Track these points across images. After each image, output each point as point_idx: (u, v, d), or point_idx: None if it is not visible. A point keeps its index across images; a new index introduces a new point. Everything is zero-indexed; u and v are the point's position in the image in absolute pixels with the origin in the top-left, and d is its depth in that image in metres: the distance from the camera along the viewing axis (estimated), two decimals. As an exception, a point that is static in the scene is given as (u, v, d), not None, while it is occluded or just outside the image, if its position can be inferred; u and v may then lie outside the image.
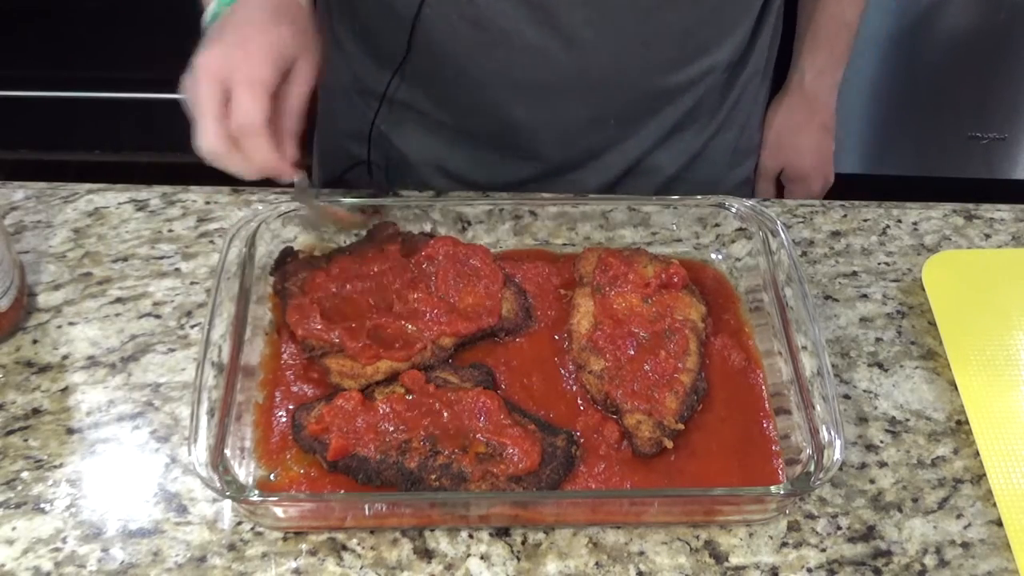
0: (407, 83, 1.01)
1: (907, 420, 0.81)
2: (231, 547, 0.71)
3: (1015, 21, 1.82)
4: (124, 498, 0.74)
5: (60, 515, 0.72)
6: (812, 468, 0.69)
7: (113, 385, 0.81)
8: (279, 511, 0.70)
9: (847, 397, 0.83)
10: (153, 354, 0.83)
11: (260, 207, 0.86)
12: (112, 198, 0.97)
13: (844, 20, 1.10)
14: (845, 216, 0.99)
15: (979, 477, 0.77)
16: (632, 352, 0.78)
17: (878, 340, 0.87)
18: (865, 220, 0.98)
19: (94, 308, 0.86)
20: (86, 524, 0.72)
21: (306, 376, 0.79)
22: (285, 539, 0.71)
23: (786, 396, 0.77)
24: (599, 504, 0.73)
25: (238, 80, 0.74)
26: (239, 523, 0.72)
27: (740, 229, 0.88)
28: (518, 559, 0.71)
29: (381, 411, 0.73)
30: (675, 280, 0.83)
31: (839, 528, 0.74)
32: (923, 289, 0.91)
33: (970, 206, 1.01)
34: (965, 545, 0.73)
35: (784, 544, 0.73)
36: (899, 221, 0.98)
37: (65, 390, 0.80)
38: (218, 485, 0.67)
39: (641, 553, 0.72)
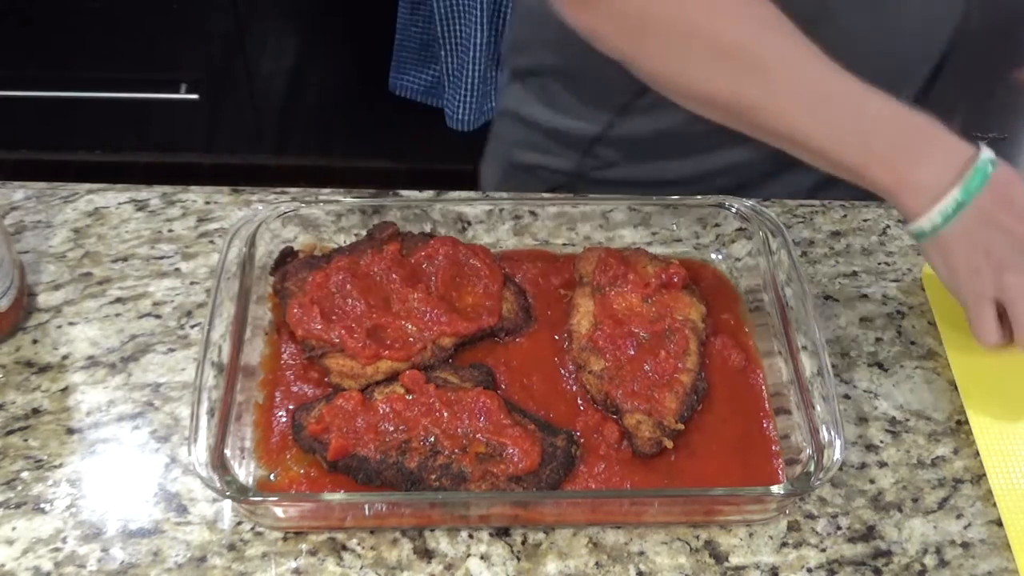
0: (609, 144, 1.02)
1: (907, 420, 0.81)
2: (231, 547, 0.71)
3: (1015, 21, 1.82)
4: (124, 498, 0.74)
5: (60, 515, 0.72)
6: (812, 468, 0.70)
7: (113, 385, 0.81)
8: (279, 511, 0.70)
9: (847, 397, 0.83)
10: (153, 354, 0.83)
11: (260, 207, 0.86)
12: (112, 198, 0.97)
13: None
14: (845, 216, 0.99)
15: (979, 477, 0.77)
16: (632, 352, 0.78)
17: (878, 340, 0.87)
18: (865, 220, 0.98)
19: (94, 308, 0.86)
20: (86, 524, 0.72)
21: (306, 376, 0.79)
22: (285, 539, 0.71)
23: (786, 396, 0.77)
24: (599, 504, 0.73)
25: None
26: (239, 523, 0.72)
27: (740, 229, 0.88)
28: (518, 559, 0.71)
29: (381, 411, 0.73)
30: (675, 280, 0.83)
31: (839, 528, 0.74)
32: (923, 289, 0.91)
33: (970, 206, 1.01)
34: (965, 545, 0.73)
35: (784, 544, 0.73)
36: (899, 221, 0.98)
37: (65, 390, 0.80)
38: (218, 485, 0.67)
39: (641, 553, 0.72)
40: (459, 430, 0.72)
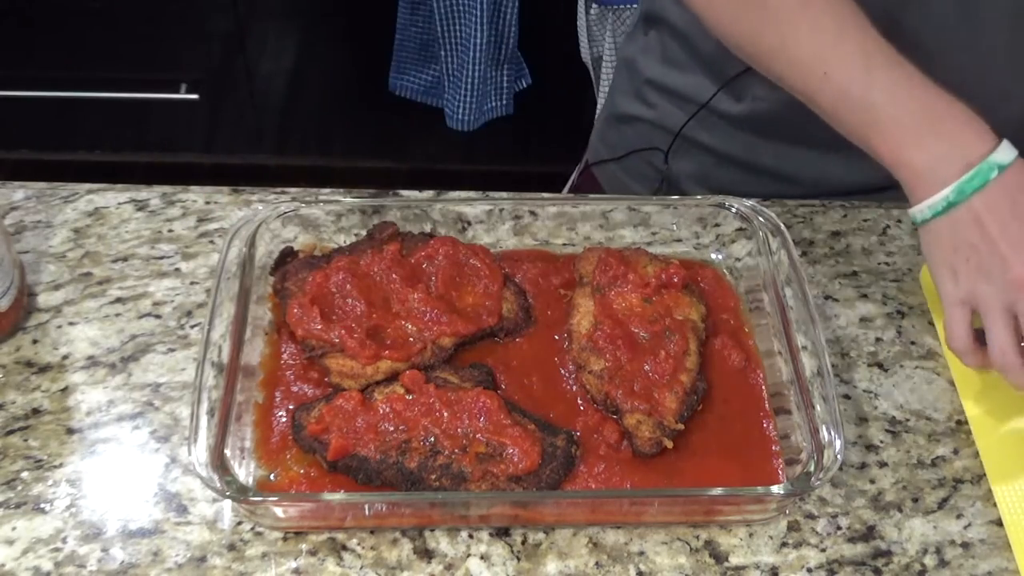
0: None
1: (907, 420, 0.81)
2: (231, 547, 0.71)
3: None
4: (124, 498, 0.74)
5: (60, 515, 0.72)
6: (812, 468, 0.70)
7: (113, 385, 0.81)
8: (279, 511, 0.70)
9: (847, 397, 0.83)
10: (153, 354, 0.83)
11: (260, 207, 0.86)
12: (112, 198, 0.97)
13: None
14: (845, 216, 0.99)
15: (979, 477, 0.77)
16: (632, 352, 0.78)
17: (878, 340, 0.87)
18: (865, 220, 0.98)
19: (94, 308, 0.86)
20: (86, 524, 0.72)
21: (306, 376, 0.79)
22: (285, 539, 0.71)
23: (786, 396, 0.77)
24: (599, 504, 0.73)
25: None
26: (239, 523, 0.72)
27: (740, 229, 0.88)
28: (518, 559, 0.71)
29: (381, 411, 0.73)
30: (675, 280, 0.83)
31: (839, 528, 0.74)
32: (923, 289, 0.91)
33: (970, 206, 1.01)
34: (965, 545, 0.73)
35: (784, 544, 0.73)
36: (899, 221, 0.98)
37: (65, 390, 0.80)
38: (218, 485, 0.67)
39: (641, 553, 0.72)
40: (459, 430, 0.72)
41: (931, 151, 0.73)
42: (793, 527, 0.74)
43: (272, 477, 0.73)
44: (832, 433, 0.70)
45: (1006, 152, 0.72)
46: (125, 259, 0.91)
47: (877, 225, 0.98)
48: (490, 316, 0.82)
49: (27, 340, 0.84)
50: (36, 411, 0.79)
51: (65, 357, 0.83)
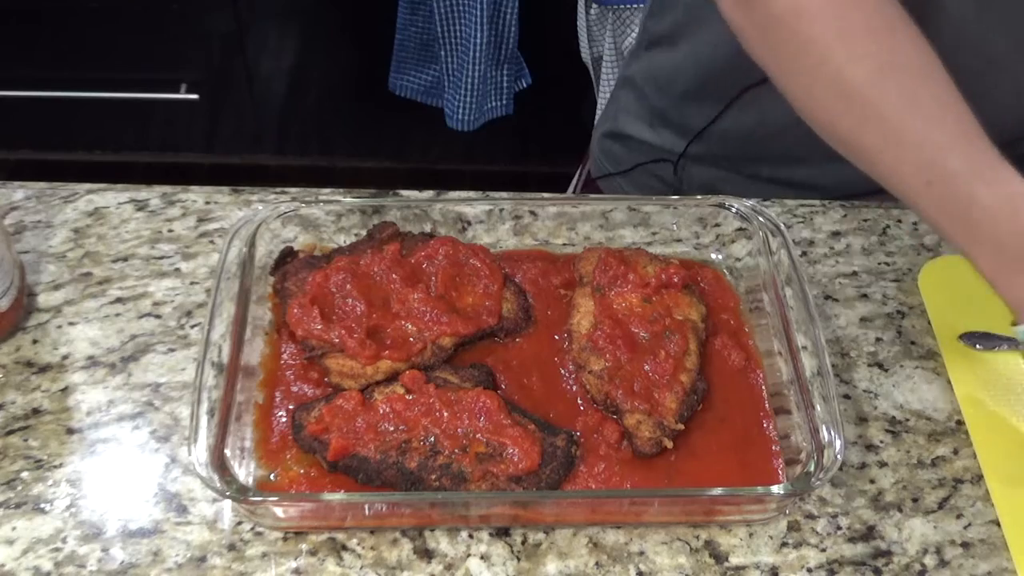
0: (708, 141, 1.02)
1: (907, 420, 0.81)
2: (231, 547, 0.71)
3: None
4: (124, 498, 0.74)
5: (60, 515, 0.72)
6: (812, 468, 0.70)
7: (113, 385, 0.81)
8: (279, 511, 0.70)
9: (847, 397, 0.83)
10: (153, 354, 0.83)
11: (260, 207, 0.86)
12: (112, 198, 0.97)
13: None
14: (845, 216, 0.99)
15: (979, 477, 0.77)
16: (632, 352, 0.78)
17: (878, 340, 0.87)
18: (865, 220, 0.98)
19: (94, 308, 0.86)
20: (86, 524, 0.72)
21: (306, 376, 0.79)
22: (285, 539, 0.71)
23: (786, 396, 0.77)
24: (599, 504, 0.73)
25: None
26: (239, 523, 0.72)
27: (740, 229, 0.88)
28: (518, 559, 0.71)
29: (381, 411, 0.73)
30: (675, 280, 0.83)
31: (839, 528, 0.74)
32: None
33: (970, 206, 1.01)
34: (965, 545, 0.73)
35: (784, 544, 0.73)
36: (899, 221, 0.98)
37: (65, 390, 0.80)
38: (218, 485, 0.67)
39: (641, 553, 0.72)
40: (459, 430, 0.72)
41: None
42: (793, 527, 0.74)
43: (272, 477, 0.73)
44: (832, 433, 0.70)
45: None
46: (125, 259, 0.91)
47: (877, 225, 0.98)
48: (490, 316, 0.82)
49: (27, 340, 0.84)
50: (36, 411, 0.79)
51: (65, 357, 0.83)
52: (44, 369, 0.82)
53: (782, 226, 0.84)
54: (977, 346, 0.85)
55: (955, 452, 0.79)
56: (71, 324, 0.85)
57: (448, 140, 2.05)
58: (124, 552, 0.70)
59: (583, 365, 0.79)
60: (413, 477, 0.71)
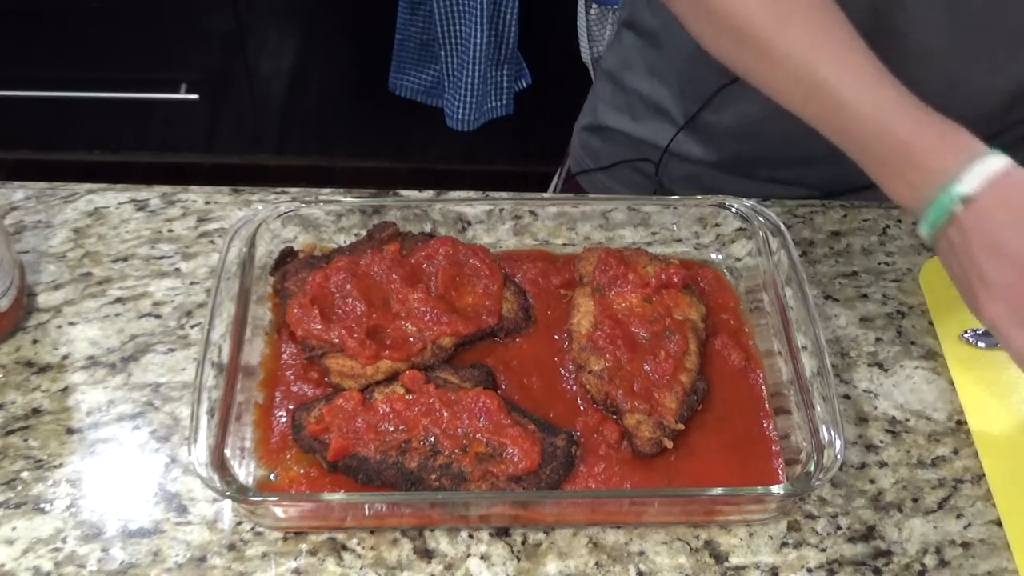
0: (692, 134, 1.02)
1: (907, 420, 0.81)
2: (231, 547, 0.71)
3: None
4: (124, 498, 0.74)
5: (60, 515, 0.72)
6: (812, 468, 0.70)
7: (113, 385, 0.81)
8: (279, 511, 0.70)
9: (847, 397, 0.83)
10: (153, 354, 0.83)
11: (260, 207, 0.86)
12: (112, 198, 0.97)
13: None
14: (845, 216, 0.99)
15: (979, 477, 0.77)
16: (632, 352, 0.78)
17: (878, 340, 0.87)
18: (865, 220, 0.98)
19: (94, 308, 0.86)
20: (86, 524, 0.72)
21: (306, 376, 0.79)
22: (285, 539, 0.71)
23: (786, 396, 0.77)
24: (599, 504, 0.73)
25: None
26: (239, 523, 0.72)
27: (740, 229, 0.88)
28: (518, 559, 0.71)
29: (381, 411, 0.73)
30: (675, 280, 0.83)
31: (839, 528, 0.74)
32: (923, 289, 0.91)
33: (970, 206, 1.01)
34: (965, 545, 0.73)
35: (784, 544, 0.73)
36: (899, 221, 0.98)
37: (65, 390, 0.80)
38: (218, 485, 0.67)
39: (641, 553, 0.72)
40: (459, 430, 0.72)
41: (906, 174, 0.70)
42: (793, 527, 0.74)
43: (272, 477, 0.73)
44: (832, 433, 0.70)
45: (973, 176, 0.67)
46: (125, 259, 0.91)
47: (877, 225, 0.98)
48: (490, 316, 0.82)
49: (27, 340, 0.84)
50: (36, 411, 0.79)
51: (65, 357, 0.83)
52: (44, 369, 0.82)
53: (782, 226, 0.84)
54: (980, 343, 0.85)
55: (955, 452, 0.79)
56: (71, 324, 0.85)
57: (448, 140, 2.05)
58: (124, 552, 0.70)
59: (583, 365, 0.79)
60: (413, 477, 0.71)
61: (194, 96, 1.99)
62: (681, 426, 0.75)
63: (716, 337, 0.83)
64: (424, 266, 0.84)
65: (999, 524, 0.74)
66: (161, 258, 0.91)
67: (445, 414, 0.73)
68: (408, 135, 2.22)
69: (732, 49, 0.79)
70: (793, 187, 1.03)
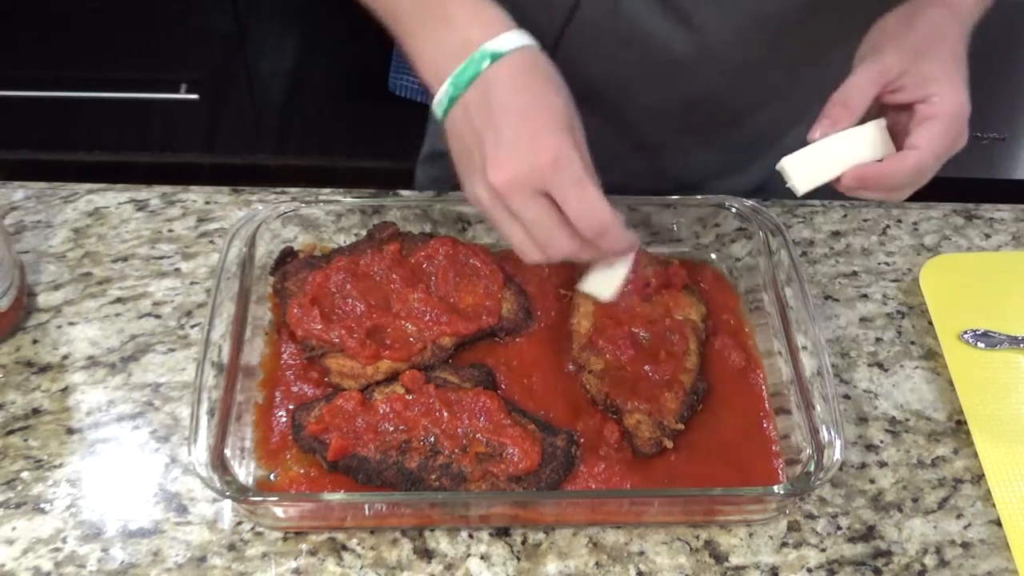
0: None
1: (907, 420, 0.81)
2: (231, 547, 0.71)
3: (1015, 21, 1.82)
4: (124, 498, 0.74)
5: (60, 515, 0.72)
6: (812, 468, 0.70)
7: (113, 385, 0.81)
8: (279, 511, 0.70)
9: (847, 397, 0.83)
10: (153, 354, 0.83)
11: (260, 207, 0.86)
12: (112, 198, 0.97)
13: None
14: (845, 216, 0.99)
15: (979, 477, 0.77)
16: (632, 352, 0.78)
17: (878, 340, 0.87)
18: (865, 220, 0.98)
19: (94, 308, 0.86)
20: (86, 524, 0.72)
21: (306, 376, 0.79)
22: (285, 539, 0.71)
23: (786, 396, 0.77)
24: (599, 504, 0.73)
25: (562, 184, 0.64)
26: (239, 523, 0.72)
27: (740, 229, 0.88)
28: (518, 559, 0.71)
29: (381, 411, 0.73)
30: (675, 280, 0.83)
31: (839, 528, 0.74)
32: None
33: (970, 206, 1.01)
34: (965, 545, 0.73)
35: (784, 544, 0.73)
36: (899, 221, 0.98)
37: (65, 390, 0.80)
38: (218, 485, 0.67)
39: (641, 553, 0.72)
40: (459, 430, 0.72)
41: (437, 40, 0.67)
42: (793, 527, 0.74)
43: (272, 477, 0.73)
44: (832, 433, 0.70)
45: (504, 41, 0.66)
46: (125, 259, 0.91)
47: (877, 225, 0.98)
48: (490, 316, 0.82)
49: (27, 340, 0.84)
50: (36, 411, 0.79)
51: (65, 357, 0.83)
52: (44, 369, 0.82)
53: (782, 226, 0.84)
54: (979, 344, 0.85)
55: (955, 452, 0.79)
56: (71, 324, 0.85)
57: (448, 140, 2.05)
58: (124, 552, 0.70)
59: (583, 365, 0.79)
60: (413, 477, 0.71)
61: (194, 96, 1.99)
62: (681, 426, 0.75)
63: (716, 337, 0.83)
64: (424, 266, 0.84)
65: (999, 524, 0.74)
66: (161, 258, 0.91)
67: (445, 414, 0.73)
68: (408, 135, 2.22)
69: None
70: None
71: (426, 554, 0.71)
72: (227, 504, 0.73)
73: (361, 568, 0.70)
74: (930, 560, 0.72)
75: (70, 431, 0.77)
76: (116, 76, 1.98)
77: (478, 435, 0.72)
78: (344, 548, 0.71)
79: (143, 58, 1.98)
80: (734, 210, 0.88)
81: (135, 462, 0.76)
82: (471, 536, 0.72)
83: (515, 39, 0.66)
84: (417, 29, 0.69)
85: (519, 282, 0.87)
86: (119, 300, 0.87)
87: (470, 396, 0.73)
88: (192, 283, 0.89)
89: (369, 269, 0.83)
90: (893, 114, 0.71)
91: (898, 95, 0.70)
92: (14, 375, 0.81)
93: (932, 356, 0.86)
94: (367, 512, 0.71)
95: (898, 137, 0.71)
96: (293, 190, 0.97)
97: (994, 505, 0.75)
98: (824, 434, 0.71)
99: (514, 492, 0.71)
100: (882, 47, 0.71)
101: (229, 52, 2.00)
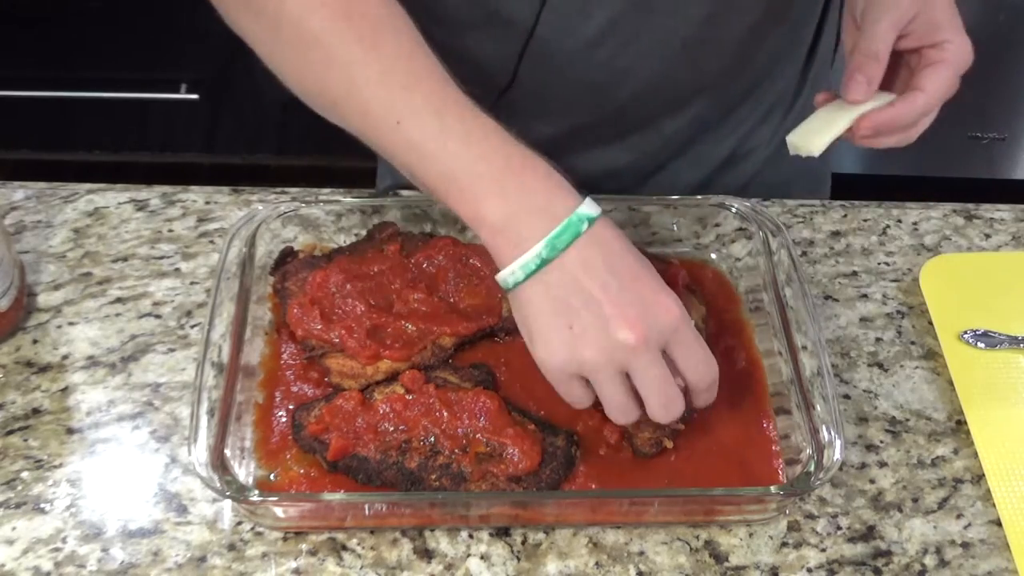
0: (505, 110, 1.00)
1: (907, 420, 0.81)
2: (231, 547, 0.71)
3: (1015, 21, 1.82)
4: (124, 498, 0.74)
5: (60, 515, 0.72)
6: (812, 468, 0.70)
7: (113, 385, 0.81)
8: (279, 511, 0.70)
9: (847, 397, 0.83)
10: (153, 354, 0.83)
11: (260, 207, 0.86)
12: (112, 198, 0.97)
13: None
14: (845, 216, 0.99)
15: (979, 477, 0.77)
16: (632, 352, 0.78)
17: (878, 340, 0.87)
18: (865, 220, 0.98)
19: (94, 308, 0.86)
20: (86, 524, 0.72)
21: (306, 376, 0.79)
22: (285, 539, 0.71)
23: (786, 396, 0.77)
24: (599, 504, 0.73)
25: (684, 341, 0.67)
26: (239, 523, 0.72)
27: (740, 229, 0.88)
28: (518, 559, 0.71)
29: (381, 411, 0.73)
30: (676, 280, 0.83)
31: (839, 528, 0.74)
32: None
33: (970, 206, 1.01)
34: (965, 545, 0.73)
35: (784, 544, 0.73)
36: (899, 221, 0.98)
37: (65, 390, 0.80)
38: (218, 485, 0.67)
39: (641, 553, 0.72)
40: (459, 430, 0.72)
41: (512, 204, 0.65)
42: (793, 527, 0.74)
43: (272, 477, 0.73)
44: (832, 433, 0.70)
45: (591, 206, 0.67)
46: (125, 259, 0.91)
47: (877, 225, 0.98)
48: (490, 316, 0.82)
49: (27, 340, 0.84)
50: (36, 411, 0.79)
51: (65, 357, 0.83)
52: (44, 369, 0.82)
53: (782, 226, 0.84)
54: (979, 344, 0.85)
55: (955, 452, 0.79)
56: (71, 324, 0.85)
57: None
58: (124, 552, 0.70)
59: (583, 365, 0.79)
60: (413, 477, 0.71)
61: (194, 96, 1.99)
62: (681, 426, 0.75)
63: (716, 337, 0.83)
64: (424, 266, 0.84)
65: (999, 524, 0.74)
66: (161, 258, 0.91)
67: (445, 414, 0.73)
68: (408, 135, 2.22)
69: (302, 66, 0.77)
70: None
71: (426, 554, 0.71)
72: (227, 504, 0.73)
73: (361, 568, 0.70)
74: (930, 560, 0.72)
75: (70, 431, 0.77)
76: (116, 76, 1.98)
77: (478, 435, 0.72)
78: (344, 548, 0.71)
79: (143, 58, 1.98)
80: (734, 210, 0.88)
81: (135, 462, 0.76)
82: (471, 536, 0.72)
83: (595, 205, 0.68)
84: (485, 193, 0.66)
85: (519, 282, 0.86)
86: (119, 300, 0.87)
87: (470, 396, 0.73)
88: (192, 283, 0.89)
89: (369, 269, 0.83)
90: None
91: (906, 40, 0.74)
92: (14, 375, 0.81)
93: (932, 356, 0.86)
94: (367, 512, 0.71)
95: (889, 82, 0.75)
96: (293, 190, 0.97)
97: (994, 505, 0.75)
98: (824, 434, 0.71)
99: (514, 492, 0.71)
100: None
101: (229, 52, 2.00)
